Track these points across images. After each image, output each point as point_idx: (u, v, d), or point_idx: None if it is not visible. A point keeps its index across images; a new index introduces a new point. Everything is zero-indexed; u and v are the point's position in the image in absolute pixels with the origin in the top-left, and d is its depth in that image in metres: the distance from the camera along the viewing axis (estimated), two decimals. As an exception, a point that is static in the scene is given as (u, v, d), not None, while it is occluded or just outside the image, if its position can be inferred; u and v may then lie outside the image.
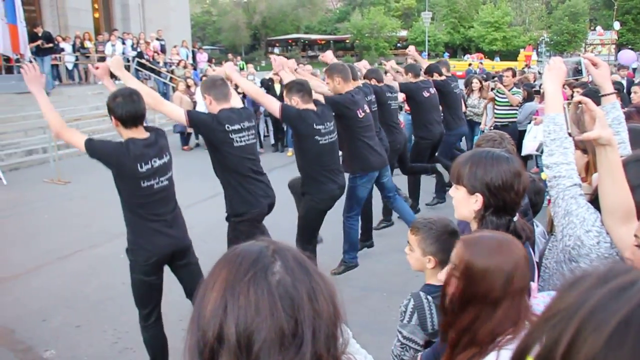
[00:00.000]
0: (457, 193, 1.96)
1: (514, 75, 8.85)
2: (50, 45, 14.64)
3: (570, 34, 48.24)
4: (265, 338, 0.85)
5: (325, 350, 0.89)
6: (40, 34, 14.77)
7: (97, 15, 22.80)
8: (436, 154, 7.34)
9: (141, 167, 3.23)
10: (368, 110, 5.17)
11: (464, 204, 1.94)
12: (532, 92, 9.08)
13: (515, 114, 8.83)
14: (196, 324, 0.90)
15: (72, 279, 5.59)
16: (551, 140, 1.96)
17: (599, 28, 44.87)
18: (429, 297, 2.21)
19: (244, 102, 10.51)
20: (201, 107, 11.92)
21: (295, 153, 4.75)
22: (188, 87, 12.72)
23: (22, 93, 13.82)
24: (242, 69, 19.71)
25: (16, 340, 4.42)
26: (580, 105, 1.82)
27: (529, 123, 8.75)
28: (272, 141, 12.55)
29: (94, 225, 7.24)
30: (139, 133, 3.33)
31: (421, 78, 7.05)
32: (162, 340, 3.61)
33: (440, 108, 7.27)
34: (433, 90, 6.99)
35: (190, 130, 12.59)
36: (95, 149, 3.27)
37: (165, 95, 16.78)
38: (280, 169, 9.52)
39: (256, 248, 0.95)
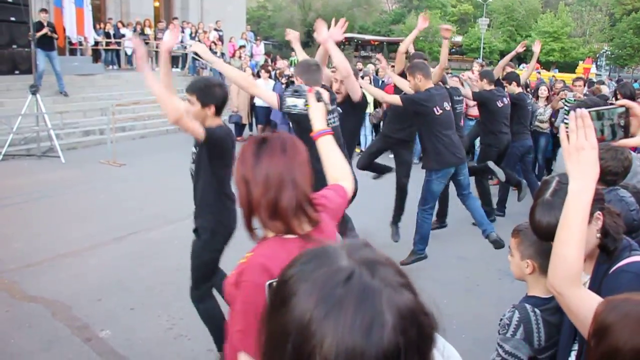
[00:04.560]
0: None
1: (585, 85, 8.50)
2: (56, 36, 12.65)
3: (633, 48, 46.49)
4: None
5: None
6: (46, 24, 12.36)
7: (157, 3, 23.20)
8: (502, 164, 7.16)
9: (235, 149, 3.39)
10: (448, 108, 5.18)
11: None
12: (605, 104, 8.66)
13: None
14: (279, 336, 0.79)
15: (127, 261, 5.60)
16: None
17: (665, 43, 43.21)
18: (537, 310, 2.04)
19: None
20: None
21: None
22: (245, 78, 12.71)
23: (83, 75, 14.15)
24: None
25: (73, 317, 4.43)
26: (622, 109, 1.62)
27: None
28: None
29: (147, 209, 7.28)
30: (220, 120, 3.50)
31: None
32: (221, 311, 3.60)
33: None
34: (507, 100, 6.88)
35: (245, 121, 12.62)
36: (215, 135, 3.34)
37: (221, 85, 16.89)
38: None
39: (366, 296, 0.79)
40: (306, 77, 3.94)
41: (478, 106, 7.11)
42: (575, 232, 1.50)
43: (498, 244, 5.35)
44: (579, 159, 1.48)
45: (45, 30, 11.88)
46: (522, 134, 7.42)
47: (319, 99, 2.19)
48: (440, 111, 5.06)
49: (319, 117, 2.18)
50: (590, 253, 1.86)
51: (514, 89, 7.33)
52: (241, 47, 19.49)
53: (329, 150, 2.13)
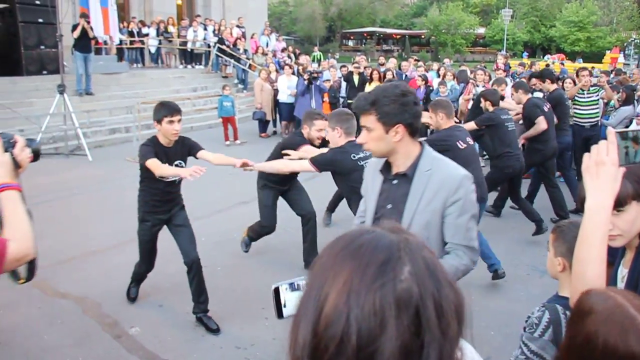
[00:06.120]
0: (626, 215, 1.69)
1: (591, 75, 8.43)
2: (92, 34, 12.74)
3: (663, 36, 45.47)
4: (388, 359, 0.74)
5: None
6: (86, 25, 12.54)
7: (179, 1, 23.37)
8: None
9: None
10: (471, 143, 5.21)
11: None
12: (632, 95, 8.49)
13: (596, 114, 8.33)
14: (312, 324, 0.79)
15: (157, 257, 5.65)
16: None
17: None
18: (567, 313, 2.00)
19: (308, 87, 10.57)
20: (283, 95, 11.94)
21: None
22: (269, 74, 12.76)
23: (109, 73, 14.33)
24: (318, 60, 19.68)
25: (103, 314, 4.50)
26: None
27: (624, 128, 8.21)
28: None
29: (174, 206, 7.33)
30: None
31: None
32: None
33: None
34: (549, 105, 6.88)
35: (269, 118, 12.67)
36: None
37: (243, 81, 16.96)
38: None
39: (385, 243, 0.82)
40: (345, 126, 4.16)
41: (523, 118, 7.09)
42: (594, 249, 1.45)
43: (497, 277, 5.22)
44: (599, 174, 1.43)
45: (81, 25, 12.21)
46: (561, 130, 7.31)
47: (7, 149, 1.81)
48: (464, 145, 5.05)
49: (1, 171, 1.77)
50: (629, 243, 1.80)
51: (549, 86, 7.23)
52: (283, 49, 19.61)
53: (11, 209, 1.79)
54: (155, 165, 3.98)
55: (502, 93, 9.39)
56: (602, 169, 1.43)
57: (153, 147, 4.10)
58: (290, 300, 1.78)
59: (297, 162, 4.22)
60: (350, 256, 0.81)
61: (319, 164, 4.10)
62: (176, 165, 4.26)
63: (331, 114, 4.30)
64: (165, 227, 4.52)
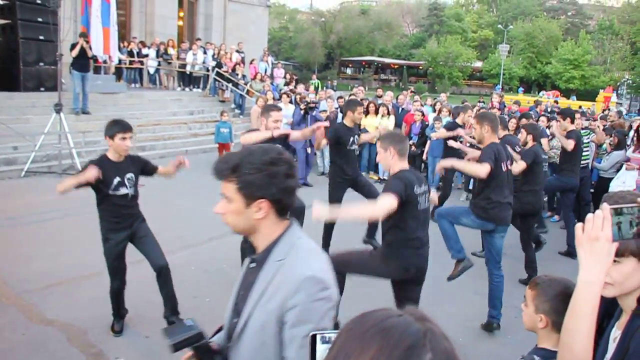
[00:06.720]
0: (622, 267, 1.73)
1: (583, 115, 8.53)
2: (91, 53, 12.99)
3: (654, 78, 46.21)
4: None
5: None
6: (85, 44, 12.64)
7: (181, 23, 23.58)
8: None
9: None
10: (510, 166, 5.19)
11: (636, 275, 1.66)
12: (624, 140, 8.59)
13: (586, 156, 8.43)
14: None
15: (143, 286, 5.60)
16: None
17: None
18: None
19: (304, 117, 10.63)
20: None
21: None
22: (266, 102, 12.83)
23: (106, 93, 14.38)
24: (317, 88, 19.83)
25: (88, 343, 4.46)
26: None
27: (616, 172, 8.30)
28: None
29: (165, 232, 7.23)
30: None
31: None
32: None
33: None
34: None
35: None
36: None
37: (241, 107, 17.05)
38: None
39: (413, 330, 0.87)
40: (400, 147, 3.95)
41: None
42: (584, 322, 1.47)
43: (488, 329, 5.22)
44: (592, 250, 1.45)
45: (80, 44, 12.34)
46: (569, 171, 7.36)
47: None
48: (505, 168, 5.05)
49: None
50: (626, 305, 1.77)
51: (568, 125, 7.26)
52: (287, 83, 19.72)
53: None
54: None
55: (466, 121, 9.43)
56: (596, 245, 1.46)
57: (99, 163, 4.30)
58: (320, 352, 1.78)
59: (379, 206, 3.71)
60: (380, 335, 0.87)
61: (401, 196, 3.75)
62: (128, 179, 4.45)
63: (384, 135, 4.07)
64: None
